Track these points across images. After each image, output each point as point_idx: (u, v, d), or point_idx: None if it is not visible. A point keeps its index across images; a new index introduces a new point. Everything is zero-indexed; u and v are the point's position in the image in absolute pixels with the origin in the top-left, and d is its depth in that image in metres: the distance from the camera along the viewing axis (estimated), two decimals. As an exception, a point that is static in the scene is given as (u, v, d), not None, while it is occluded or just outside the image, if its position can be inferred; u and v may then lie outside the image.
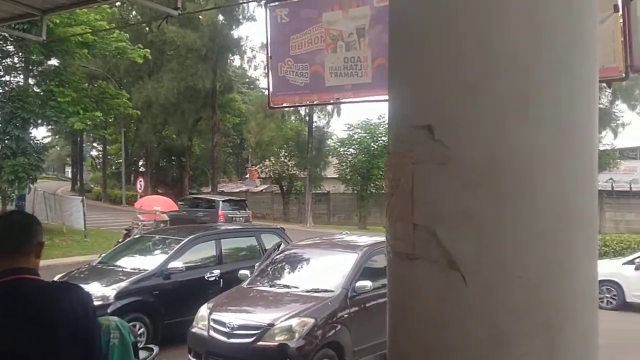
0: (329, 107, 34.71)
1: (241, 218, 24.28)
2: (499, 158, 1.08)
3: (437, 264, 1.10)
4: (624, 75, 4.35)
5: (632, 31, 4.19)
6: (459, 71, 1.11)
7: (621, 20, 4.20)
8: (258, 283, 8.11)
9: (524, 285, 1.08)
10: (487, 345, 1.06)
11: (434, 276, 1.12)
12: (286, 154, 38.98)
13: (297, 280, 8.06)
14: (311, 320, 6.80)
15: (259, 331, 6.67)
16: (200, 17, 33.90)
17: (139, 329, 8.14)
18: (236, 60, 42.19)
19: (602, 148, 30.74)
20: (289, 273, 8.45)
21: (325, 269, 8.13)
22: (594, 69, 1.17)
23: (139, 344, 6.96)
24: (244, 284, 8.18)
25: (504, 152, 1.08)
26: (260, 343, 6.59)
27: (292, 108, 27.91)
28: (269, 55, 5.67)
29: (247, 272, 8.56)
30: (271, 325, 6.68)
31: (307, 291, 7.52)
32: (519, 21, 1.08)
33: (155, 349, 4.59)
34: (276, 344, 6.55)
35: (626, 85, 28.66)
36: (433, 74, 1.14)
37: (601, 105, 29.50)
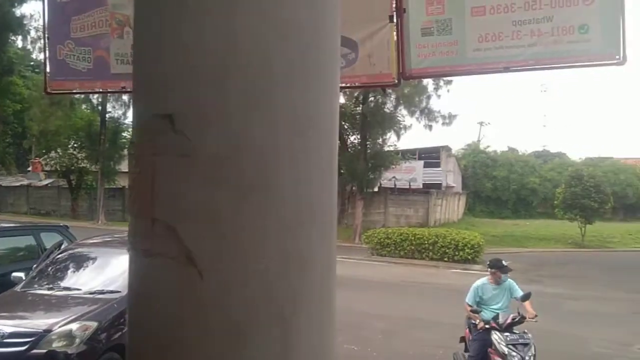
0: (125, 97, 32.91)
1: None
2: (238, 153, 1.07)
3: (176, 260, 1.06)
4: (396, 81, 4.77)
5: (405, 41, 4.60)
6: (199, 62, 1.07)
7: (395, 30, 4.59)
8: (35, 286, 7.41)
9: (260, 279, 1.09)
10: (224, 340, 1.05)
11: (172, 273, 1.08)
12: (75, 145, 36.18)
13: (80, 281, 7.53)
14: (94, 324, 6.41)
15: (33, 338, 6.08)
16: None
17: None
18: (19, 41, 38.10)
19: (386, 149, 33.73)
20: (72, 274, 7.85)
21: (113, 269, 7.68)
22: (334, 70, 1.22)
23: None
24: (18, 288, 7.42)
25: (243, 147, 1.08)
26: (34, 351, 6.02)
27: (76, 95, 26.03)
28: (47, 36, 5.20)
29: (22, 274, 7.78)
30: (48, 331, 6.15)
31: (91, 293, 7.09)
32: (257, 18, 1.08)
33: None
34: (52, 351, 6.03)
35: (408, 93, 31.75)
36: (174, 61, 1.09)
37: (386, 110, 32.30)
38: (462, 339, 7.86)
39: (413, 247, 24.18)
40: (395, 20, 4.54)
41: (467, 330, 7.62)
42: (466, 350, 7.78)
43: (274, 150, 1.09)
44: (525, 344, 6.64)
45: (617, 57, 4.14)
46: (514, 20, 4.29)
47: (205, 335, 1.05)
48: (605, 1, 4.13)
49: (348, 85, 5.47)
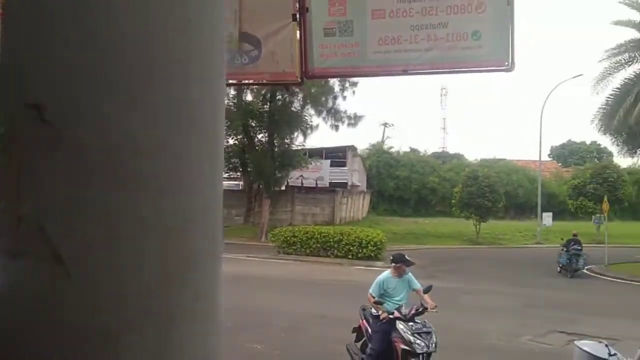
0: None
1: None
2: (112, 146, 1.01)
3: (43, 260, 0.99)
4: (299, 80, 4.80)
5: (307, 40, 4.63)
6: (71, 50, 1.01)
7: (298, 30, 4.61)
8: None
9: (136, 280, 1.04)
10: (93, 343, 0.99)
11: (39, 274, 1.01)
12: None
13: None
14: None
15: None
16: None
17: None
18: None
19: (294, 148, 33.90)
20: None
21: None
22: (220, 67, 1.19)
23: None
24: None
25: (118, 141, 1.02)
26: None
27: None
28: None
29: None
30: None
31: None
32: (137, 4, 1.03)
33: None
34: None
35: (315, 93, 32.06)
36: (44, 48, 1.02)
37: (294, 109, 32.46)
38: (355, 330, 8.20)
39: (319, 245, 24.47)
40: (298, 19, 4.57)
41: (364, 321, 7.92)
42: (357, 340, 8.16)
43: (153, 145, 1.04)
44: (428, 333, 7.11)
45: (507, 63, 4.38)
46: (412, 24, 4.43)
47: (73, 338, 0.99)
48: (496, 10, 4.35)
49: (251, 82, 5.45)
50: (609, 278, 21.74)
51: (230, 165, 36.46)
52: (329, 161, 43.28)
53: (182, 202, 1.09)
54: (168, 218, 1.07)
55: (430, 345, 6.98)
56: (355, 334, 8.22)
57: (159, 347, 1.05)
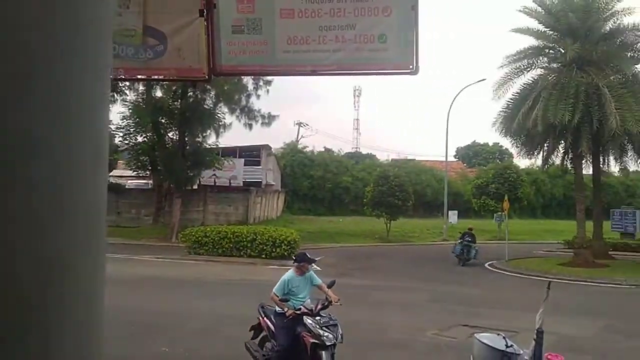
0: None
1: None
2: None
3: None
4: (207, 77, 4.72)
5: (215, 37, 4.55)
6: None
7: (205, 25, 4.52)
8: None
9: (10, 283, 0.98)
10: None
11: None
12: None
13: None
14: None
15: None
16: None
17: None
18: None
19: (207, 147, 33.33)
20: None
21: None
22: (106, 62, 1.15)
23: None
24: None
25: None
26: None
27: None
28: None
29: None
30: None
31: None
32: None
33: None
34: None
35: (228, 90, 31.67)
36: None
37: (206, 106, 31.88)
38: (254, 327, 8.35)
39: (231, 245, 24.24)
40: (205, 15, 4.48)
41: (265, 319, 8.03)
42: (254, 337, 8.36)
43: (28, 144, 0.98)
44: (334, 325, 7.47)
45: (411, 67, 4.51)
46: (321, 25, 4.46)
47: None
48: (401, 14, 4.46)
49: (156, 77, 5.34)
50: (508, 273, 23.02)
51: (139, 164, 35.36)
52: (242, 160, 42.94)
53: (59, 200, 1.04)
54: (43, 217, 1.01)
55: (337, 336, 7.35)
56: (252, 331, 8.33)
57: (36, 348, 0.99)
